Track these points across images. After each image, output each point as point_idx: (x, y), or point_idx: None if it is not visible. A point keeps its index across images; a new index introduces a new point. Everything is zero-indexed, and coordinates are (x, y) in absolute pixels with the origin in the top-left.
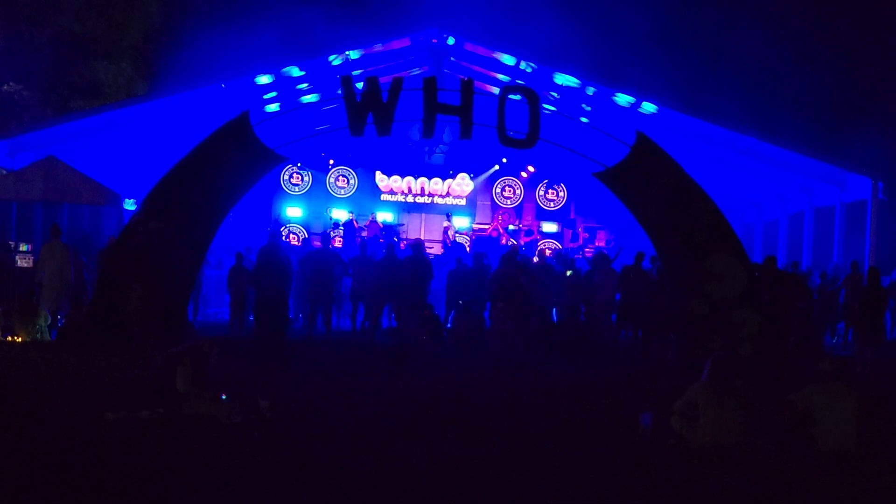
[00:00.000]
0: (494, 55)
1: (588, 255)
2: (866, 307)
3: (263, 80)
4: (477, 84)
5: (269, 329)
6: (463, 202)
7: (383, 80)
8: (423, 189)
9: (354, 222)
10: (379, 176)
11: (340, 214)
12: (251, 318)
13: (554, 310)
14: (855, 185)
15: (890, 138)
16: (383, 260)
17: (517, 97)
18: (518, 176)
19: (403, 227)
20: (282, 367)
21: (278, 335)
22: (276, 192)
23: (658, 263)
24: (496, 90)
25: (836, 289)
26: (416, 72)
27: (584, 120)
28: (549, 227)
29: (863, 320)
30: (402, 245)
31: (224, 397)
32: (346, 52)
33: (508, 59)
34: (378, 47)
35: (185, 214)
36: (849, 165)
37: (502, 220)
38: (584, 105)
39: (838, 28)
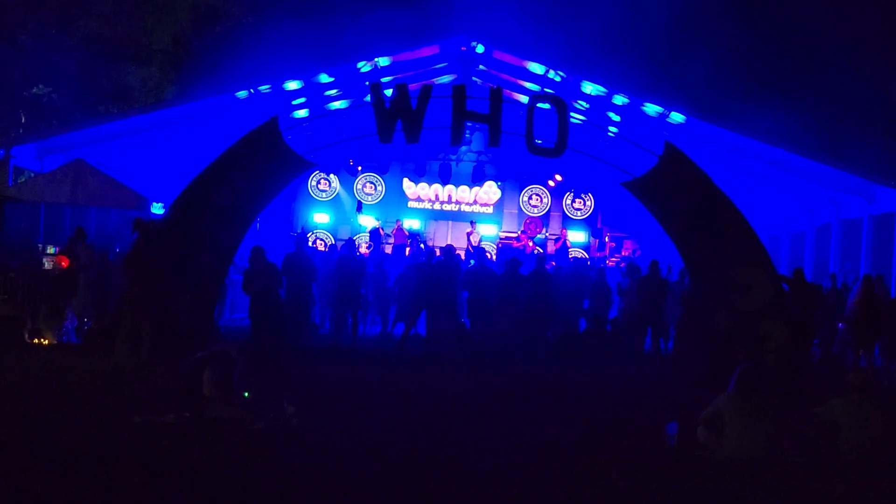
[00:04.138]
0: (523, 63)
1: (621, 265)
2: (893, 321)
3: (292, 85)
4: (505, 92)
5: (265, 331)
6: (490, 210)
7: (412, 87)
8: (450, 197)
9: (381, 230)
10: (406, 183)
11: (367, 221)
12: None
13: (582, 319)
14: (883, 198)
15: None
16: (421, 266)
17: (546, 106)
18: (545, 185)
19: (429, 234)
20: (278, 370)
21: (275, 338)
22: (296, 197)
23: (687, 275)
24: (525, 99)
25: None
26: (445, 79)
27: (612, 129)
28: (576, 235)
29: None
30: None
31: (246, 395)
32: (375, 59)
33: (537, 68)
34: (407, 55)
35: (213, 219)
36: (877, 178)
37: (529, 228)
38: (612, 114)
39: (867, 39)
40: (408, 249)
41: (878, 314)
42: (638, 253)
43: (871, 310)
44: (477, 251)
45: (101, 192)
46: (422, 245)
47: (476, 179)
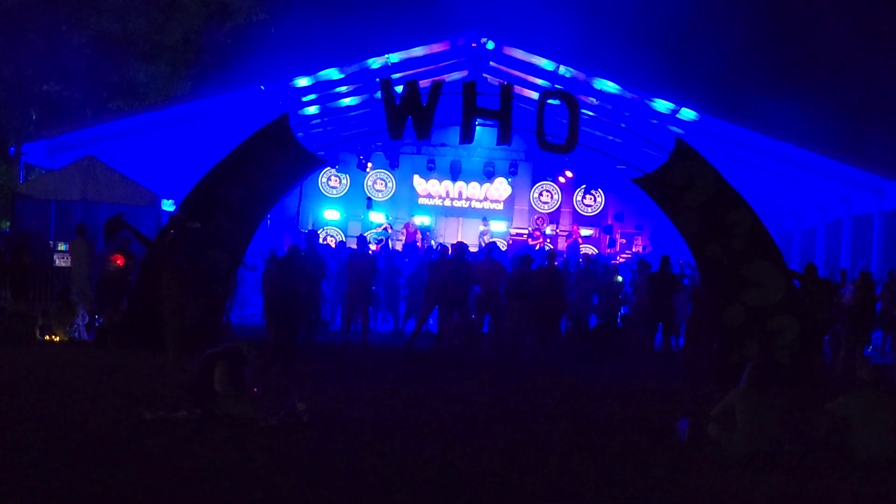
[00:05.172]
0: (533, 60)
1: (631, 262)
2: None
3: (303, 82)
4: (516, 89)
5: (282, 329)
6: (500, 206)
7: (422, 83)
8: (460, 193)
9: (389, 228)
10: (417, 179)
11: (377, 218)
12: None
13: (593, 315)
14: (894, 193)
15: None
16: (433, 263)
17: (556, 102)
18: (556, 181)
19: (439, 231)
20: (290, 367)
21: (290, 336)
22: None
23: (698, 271)
24: (535, 95)
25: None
26: (456, 76)
27: (623, 126)
28: (587, 232)
29: None
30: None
31: (256, 390)
32: (386, 56)
33: (547, 64)
34: (417, 51)
35: (224, 216)
36: (888, 173)
37: (539, 225)
38: (623, 111)
39: (882, 34)
40: (420, 243)
41: (874, 310)
42: (649, 249)
43: (867, 306)
44: (486, 246)
45: (112, 188)
46: (433, 242)
47: (487, 175)
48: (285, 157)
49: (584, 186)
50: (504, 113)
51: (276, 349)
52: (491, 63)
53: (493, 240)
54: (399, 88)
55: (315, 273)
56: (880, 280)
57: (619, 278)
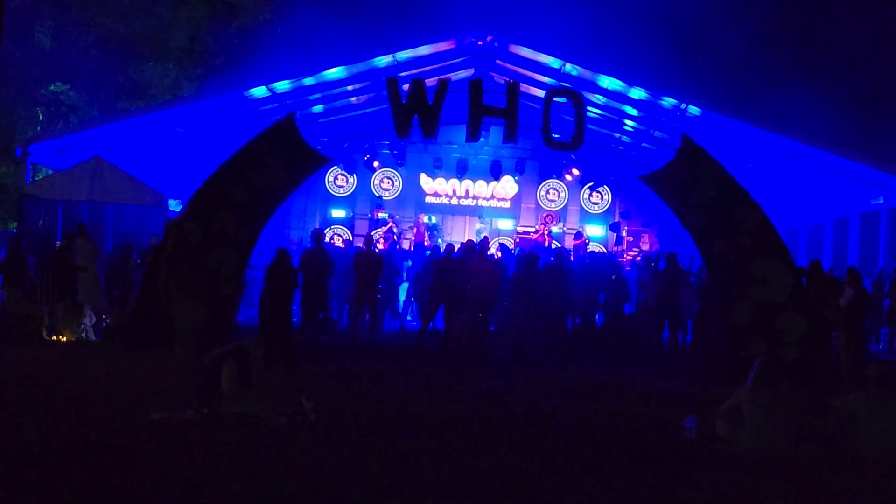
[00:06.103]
0: (539, 58)
1: (638, 259)
2: None
3: (309, 81)
4: (522, 87)
5: (274, 328)
6: (507, 205)
7: (429, 82)
8: (467, 192)
9: (394, 226)
10: (423, 178)
11: (383, 216)
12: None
13: (599, 313)
14: None
15: None
16: (440, 261)
17: (562, 100)
18: (562, 178)
19: (446, 229)
20: (295, 366)
21: (284, 334)
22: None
23: (705, 269)
24: (541, 93)
25: (882, 294)
26: (462, 74)
27: (629, 123)
28: (594, 230)
29: None
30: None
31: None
32: (392, 55)
33: (553, 62)
34: (424, 50)
35: (230, 215)
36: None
37: (546, 222)
38: (629, 108)
39: (888, 25)
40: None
41: (865, 307)
42: (656, 247)
43: (858, 303)
44: (479, 243)
45: (119, 188)
46: (439, 240)
47: (494, 174)
48: (292, 157)
49: (590, 184)
50: (510, 111)
51: (269, 346)
52: (497, 61)
53: (498, 239)
54: (405, 87)
55: (321, 272)
56: (888, 277)
57: (614, 276)
